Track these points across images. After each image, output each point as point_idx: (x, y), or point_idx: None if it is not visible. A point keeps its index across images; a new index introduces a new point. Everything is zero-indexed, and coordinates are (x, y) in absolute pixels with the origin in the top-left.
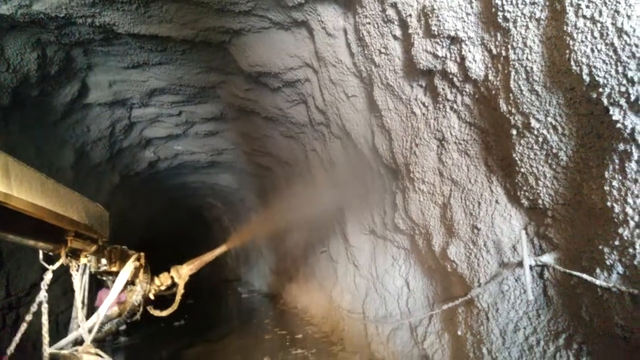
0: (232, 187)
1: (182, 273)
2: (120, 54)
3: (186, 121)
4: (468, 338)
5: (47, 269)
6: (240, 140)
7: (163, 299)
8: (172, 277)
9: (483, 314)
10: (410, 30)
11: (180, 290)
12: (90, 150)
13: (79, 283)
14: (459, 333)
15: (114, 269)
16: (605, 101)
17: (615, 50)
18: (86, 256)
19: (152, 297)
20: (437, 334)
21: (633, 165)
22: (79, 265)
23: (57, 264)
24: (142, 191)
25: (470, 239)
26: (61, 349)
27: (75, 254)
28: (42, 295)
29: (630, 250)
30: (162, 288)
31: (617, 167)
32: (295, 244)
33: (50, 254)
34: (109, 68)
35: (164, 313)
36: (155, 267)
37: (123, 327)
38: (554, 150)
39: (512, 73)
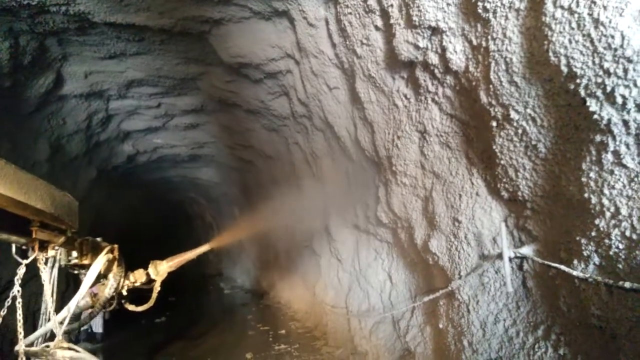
0: (214, 182)
1: (160, 269)
2: (96, 43)
3: (165, 113)
4: (449, 330)
5: (20, 264)
6: (221, 134)
7: (142, 294)
8: (147, 274)
9: (464, 306)
10: (391, 21)
11: (157, 287)
12: (66, 143)
13: (48, 276)
14: (441, 326)
15: (86, 261)
16: (582, 92)
17: (592, 41)
18: (54, 248)
19: (124, 292)
20: (419, 327)
21: (609, 156)
22: (47, 258)
23: (31, 258)
24: (121, 186)
25: (452, 231)
26: (31, 344)
27: (42, 246)
28: (16, 290)
29: (607, 241)
30: (137, 284)
31: (594, 158)
32: (279, 239)
33: (24, 247)
34: (84, 58)
35: (140, 308)
36: (135, 264)
37: (100, 331)
38: (533, 142)
39: (492, 64)
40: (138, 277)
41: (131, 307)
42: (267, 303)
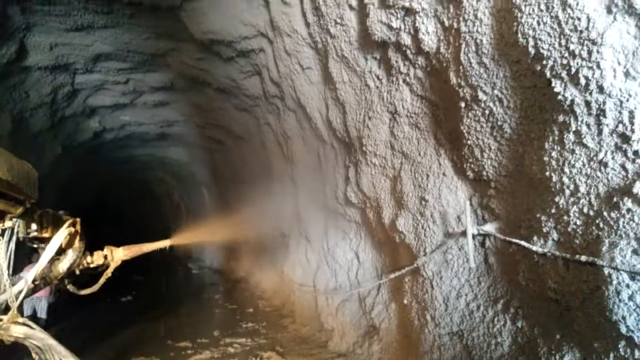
0: (183, 161)
1: (115, 256)
2: (62, 14)
3: (134, 90)
4: (413, 306)
5: None
6: (191, 112)
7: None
8: (105, 256)
9: (428, 282)
10: (365, 0)
11: (108, 273)
12: (29, 117)
13: (4, 248)
14: (405, 302)
15: (46, 234)
16: (548, 73)
17: (559, 23)
18: (11, 219)
19: (77, 272)
20: (384, 304)
21: (571, 136)
22: (3, 230)
23: None
24: (87, 163)
25: (418, 210)
26: None
27: None
28: None
29: (565, 217)
30: (92, 265)
31: (556, 138)
32: (248, 220)
33: None
34: (50, 29)
35: (83, 292)
36: (99, 243)
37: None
38: (499, 123)
39: (463, 45)
40: (96, 259)
41: (72, 289)
42: (234, 283)
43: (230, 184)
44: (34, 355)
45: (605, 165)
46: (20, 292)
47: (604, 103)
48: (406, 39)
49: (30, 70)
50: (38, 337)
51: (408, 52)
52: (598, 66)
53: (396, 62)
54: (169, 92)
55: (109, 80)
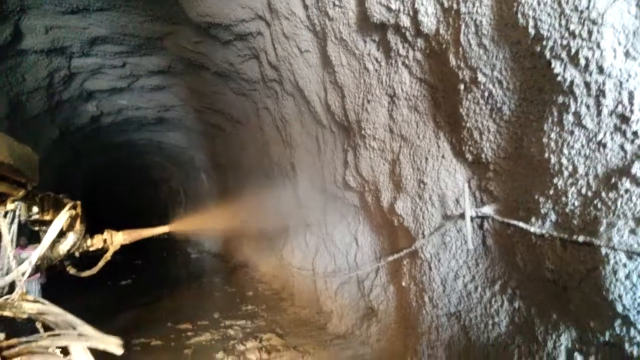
0: (181, 146)
1: (114, 240)
2: None
3: (131, 74)
4: (411, 288)
5: None
6: (189, 97)
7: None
8: (104, 240)
9: (426, 264)
10: None
11: (107, 257)
12: (26, 100)
13: (6, 231)
14: (403, 284)
15: (47, 217)
16: (548, 54)
17: (559, 3)
18: (13, 202)
19: (77, 254)
20: (382, 287)
21: (570, 117)
22: (6, 212)
23: None
24: (84, 148)
25: (417, 193)
26: None
27: (0, 199)
28: None
29: (564, 198)
30: (92, 249)
31: (555, 119)
32: (247, 205)
33: None
34: (45, 12)
35: (83, 274)
36: (98, 228)
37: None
38: (498, 105)
39: (463, 27)
40: (96, 242)
41: (72, 271)
42: (234, 267)
43: (229, 169)
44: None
45: (604, 146)
46: (24, 273)
47: (604, 84)
48: (405, 21)
49: (26, 54)
50: (53, 312)
51: (407, 34)
52: (598, 46)
53: (395, 44)
54: (166, 76)
55: (106, 64)
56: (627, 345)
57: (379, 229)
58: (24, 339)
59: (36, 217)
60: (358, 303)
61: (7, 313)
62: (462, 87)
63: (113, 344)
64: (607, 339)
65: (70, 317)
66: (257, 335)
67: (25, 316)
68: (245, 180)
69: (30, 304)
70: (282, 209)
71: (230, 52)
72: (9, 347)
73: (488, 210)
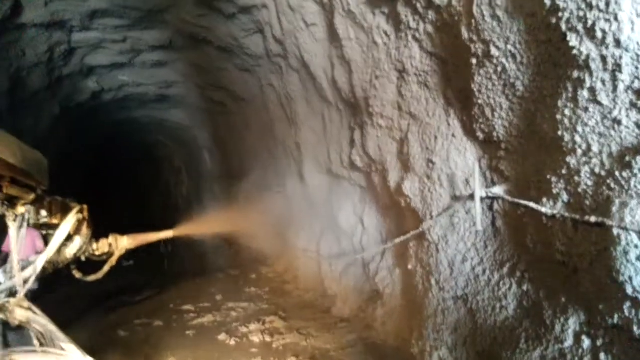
0: (184, 124)
1: (119, 244)
2: None
3: (132, 49)
4: (418, 271)
5: None
6: (191, 73)
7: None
8: (110, 245)
9: (433, 246)
10: None
11: (113, 262)
12: (26, 76)
13: (16, 234)
14: (410, 267)
15: (55, 221)
16: (563, 27)
17: None
18: (24, 205)
19: (82, 258)
20: (388, 269)
21: (585, 93)
22: (16, 215)
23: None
24: (85, 125)
25: (425, 173)
26: None
27: (12, 203)
28: None
29: (576, 178)
30: (97, 253)
31: (570, 95)
32: (251, 184)
33: None
34: None
35: (88, 278)
36: (99, 208)
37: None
38: (512, 80)
39: None
40: (101, 246)
41: (78, 275)
42: (237, 249)
43: (232, 148)
44: (35, 341)
45: (619, 123)
46: (29, 277)
47: (621, 58)
48: None
49: (25, 28)
50: (40, 323)
51: (418, 5)
52: (615, 18)
53: (405, 17)
54: (168, 51)
55: (107, 39)
56: (635, 328)
57: (385, 210)
58: None
59: (45, 220)
60: (363, 286)
61: (1, 316)
62: (474, 61)
63: None
64: (615, 321)
65: (54, 330)
66: (260, 318)
67: (16, 322)
68: (249, 160)
69: (22, 310)
70: (287, 188)
71: (234, 26)
72: None
73: (499, 190)
